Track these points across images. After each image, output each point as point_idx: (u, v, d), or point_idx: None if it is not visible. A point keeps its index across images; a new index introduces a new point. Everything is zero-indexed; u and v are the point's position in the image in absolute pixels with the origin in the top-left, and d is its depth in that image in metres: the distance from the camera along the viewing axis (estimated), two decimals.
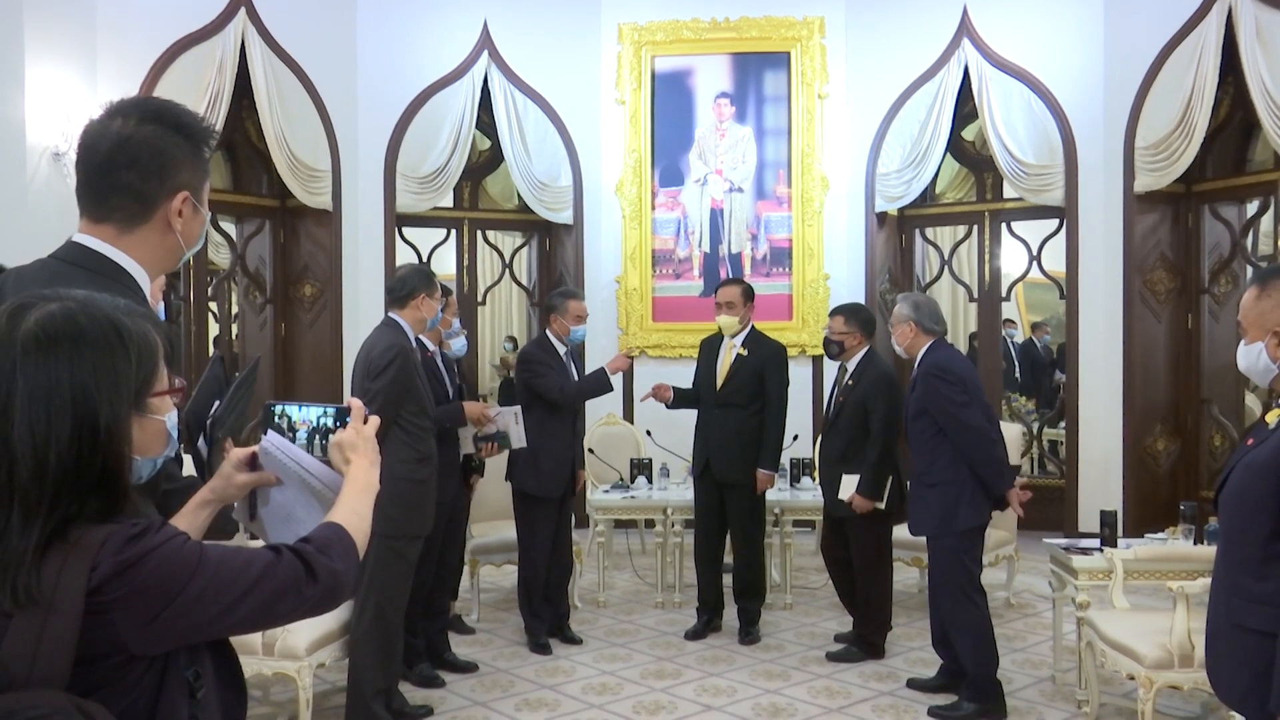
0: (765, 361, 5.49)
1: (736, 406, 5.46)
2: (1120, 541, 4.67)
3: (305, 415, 1.75)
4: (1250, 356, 2.55)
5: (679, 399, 5.69)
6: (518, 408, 5.23)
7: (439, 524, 4.66)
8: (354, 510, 1.61)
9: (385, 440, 4.14)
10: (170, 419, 1.48)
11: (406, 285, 4.49)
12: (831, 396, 5.37)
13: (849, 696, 4.70)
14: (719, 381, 5.53)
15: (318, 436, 1.74)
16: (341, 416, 1.73)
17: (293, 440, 1.73)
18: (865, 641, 5.23)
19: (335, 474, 1.68)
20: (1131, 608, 4.40)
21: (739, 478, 5.46)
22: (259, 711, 4.53)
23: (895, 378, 5.24)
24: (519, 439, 5.19)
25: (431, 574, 4.84)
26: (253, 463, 1.71)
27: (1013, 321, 10.29)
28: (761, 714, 4.50)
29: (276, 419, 1.75)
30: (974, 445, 4.39)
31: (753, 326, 5.61)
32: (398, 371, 4.25)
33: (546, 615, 5.46)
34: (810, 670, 5.04)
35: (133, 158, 1.82)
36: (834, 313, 5.42)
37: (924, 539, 4.69)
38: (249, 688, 4.39)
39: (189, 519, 1.70)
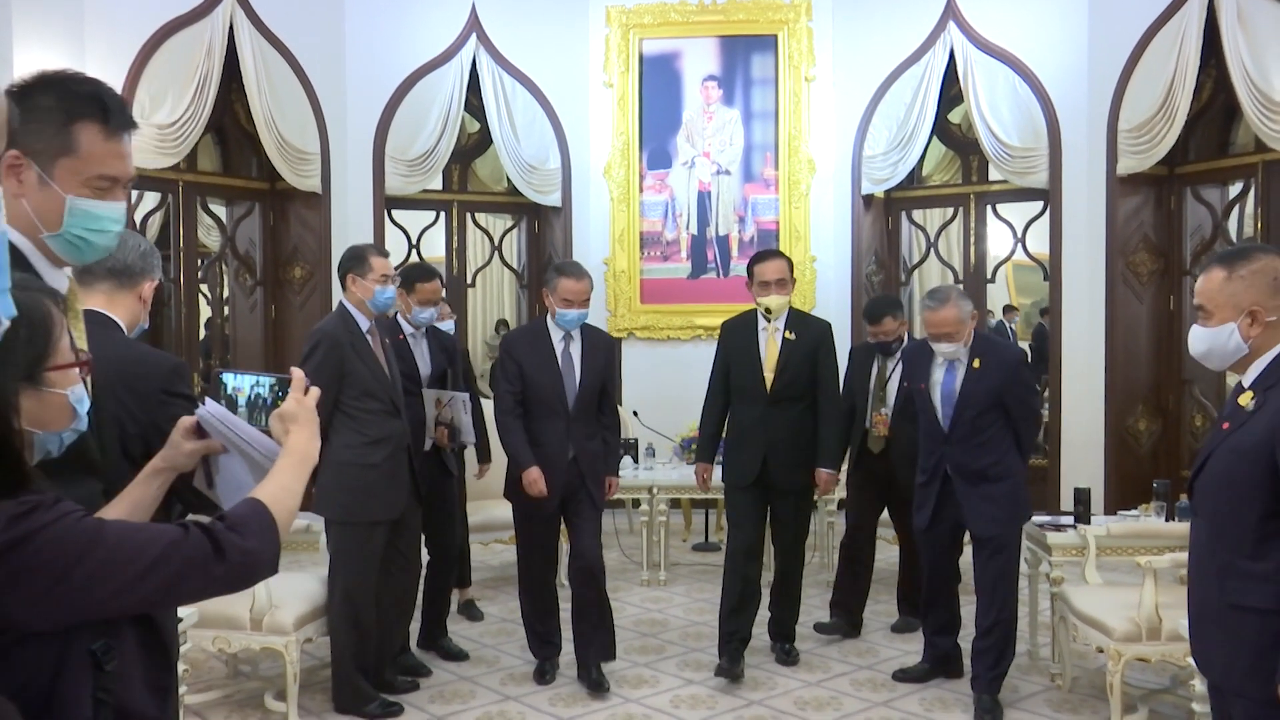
0: (818, 344, 4.77)
1: (793, 400, 4.71)
2: (1096, 519, 4.76)
3: (241, 383, 1.75)
4: (1218, 338, 2.54)
5: (710, 445, 4.99)
6: (465, 395, 4.95)
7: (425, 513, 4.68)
8: (282, 485, 1.57)
9: (329, 426, 4.16)
10: (74, 392, 1.46)
11: (340, 267, 4.49)
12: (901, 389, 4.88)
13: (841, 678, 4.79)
14: (769, 375, 4.71)
15: (258, 408, 1.73)
16: (284, 387, 1.71)
17: (235, 410, 1.72)
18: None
19: (274, 444, 1.67)
20: (1104, 583, 4.49)
21: (803, 482, 4.77)
22: (249, 686, 4.61)
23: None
24: (467, 431, 4.97)
25: (416, 560, 4.74)
26: (200, 431, 1.71)
27: (991, 312, 10.38)
28: (730, 690, 4.59)
29: (225, 389, 1.74)
30: (1035, 433, 4.48)
31: (791, 305, 4.88)
32: (322, 357, 4.22)
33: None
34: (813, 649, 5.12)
35: None
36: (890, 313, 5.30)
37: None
38: (237, 662, 4.52)
39: (142, 488, 1.70)
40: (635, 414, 6.77)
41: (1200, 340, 2.59)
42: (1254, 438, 2.44)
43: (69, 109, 1.77)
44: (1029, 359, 4.53)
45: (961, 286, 8.49)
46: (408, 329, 4.99)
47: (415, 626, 4.95)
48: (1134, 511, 4.83)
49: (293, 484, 1.59)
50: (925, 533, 4.49)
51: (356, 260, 4.40)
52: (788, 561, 4.88)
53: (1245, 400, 2.54)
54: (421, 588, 4.94)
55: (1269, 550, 2.42)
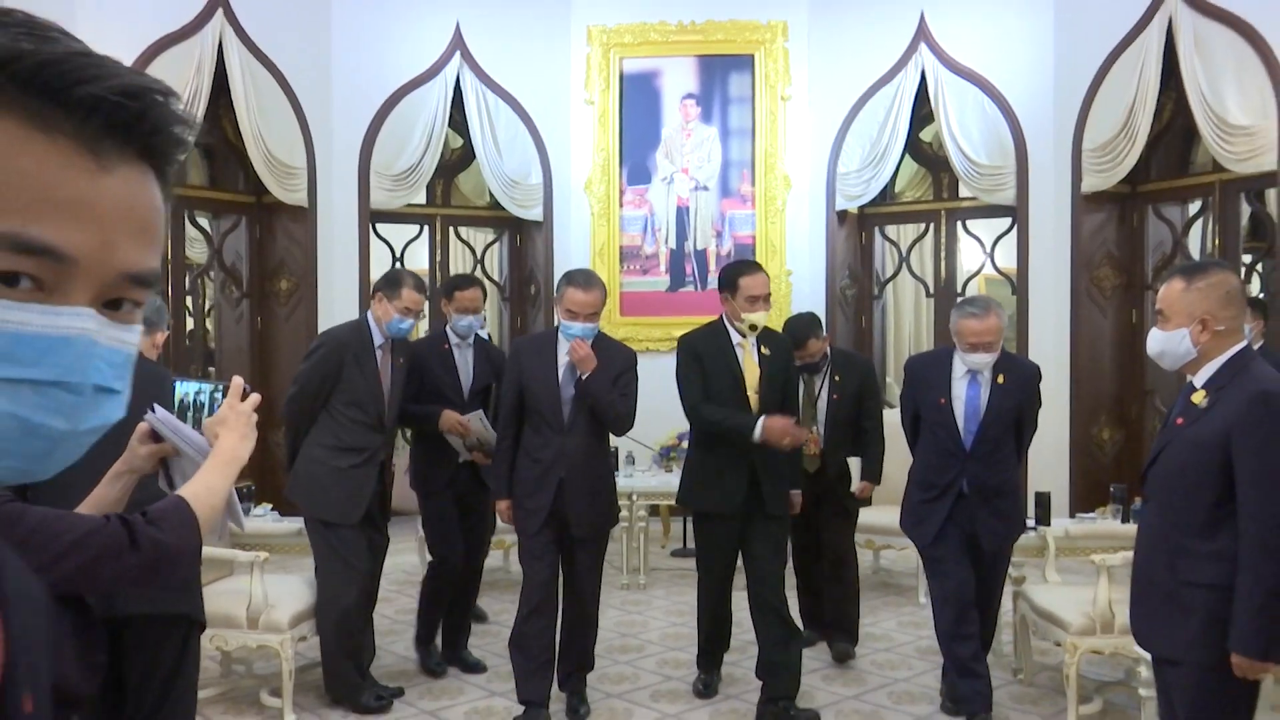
0: (788, 361, 4.63)
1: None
2: (1056, 521, 4.98)
3: (187, 390, 1.87)
4: (1171, 342, 2.85)
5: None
6: (478, 411, 4.88)
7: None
8: (206, 484, 1.66)
9: (313, 423, 4.45)
10: None
11: (376, 282, 4.69)
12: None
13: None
14: (752, 394, 4.39)
15: (199, 412, 1.84)
16: (222, 392, 1.82)
17: (185, 416, 1.84)
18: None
19: (207, 445, 1.75)
20: (1063, 582, 4.71)
21: (783, 506, 4.47)
22: (244, 684, 4.76)
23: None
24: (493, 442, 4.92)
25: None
26: (155, 435, 1.80)
27: None
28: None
29: (174, 395, 1.86)
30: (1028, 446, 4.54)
31: None
32: (320, 359, 4.44)
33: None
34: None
35: None
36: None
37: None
38: (232, 660, 4.66)
39: (105, 489, 1.77)
40: None
41: (1156, 342, 2.91)
42: (1210, 432, 2.74)
43: None
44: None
45: (932, 301, 8.76)
46: (453, 339, 4.98)
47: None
48: (1092, 515, 5.06)
49: (217, 483, 1.67)
50: (931, 549, 4.33)
51: (391, 285, 4.53)
52: (777, 593, 4.40)
53: (1198, 399, 2.84)
54: (424, 597, 5.08)
55: (1217, 532, 2.71)
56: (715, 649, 4.71)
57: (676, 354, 4.56)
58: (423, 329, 7.67)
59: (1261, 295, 7.23)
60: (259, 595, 4.36)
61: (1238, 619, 2.63)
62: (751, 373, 4.42)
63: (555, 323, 4.35)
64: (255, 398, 1.80)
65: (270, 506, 5.37)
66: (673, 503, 6.97)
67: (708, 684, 4.68)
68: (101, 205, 0.67)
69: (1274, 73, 6.46)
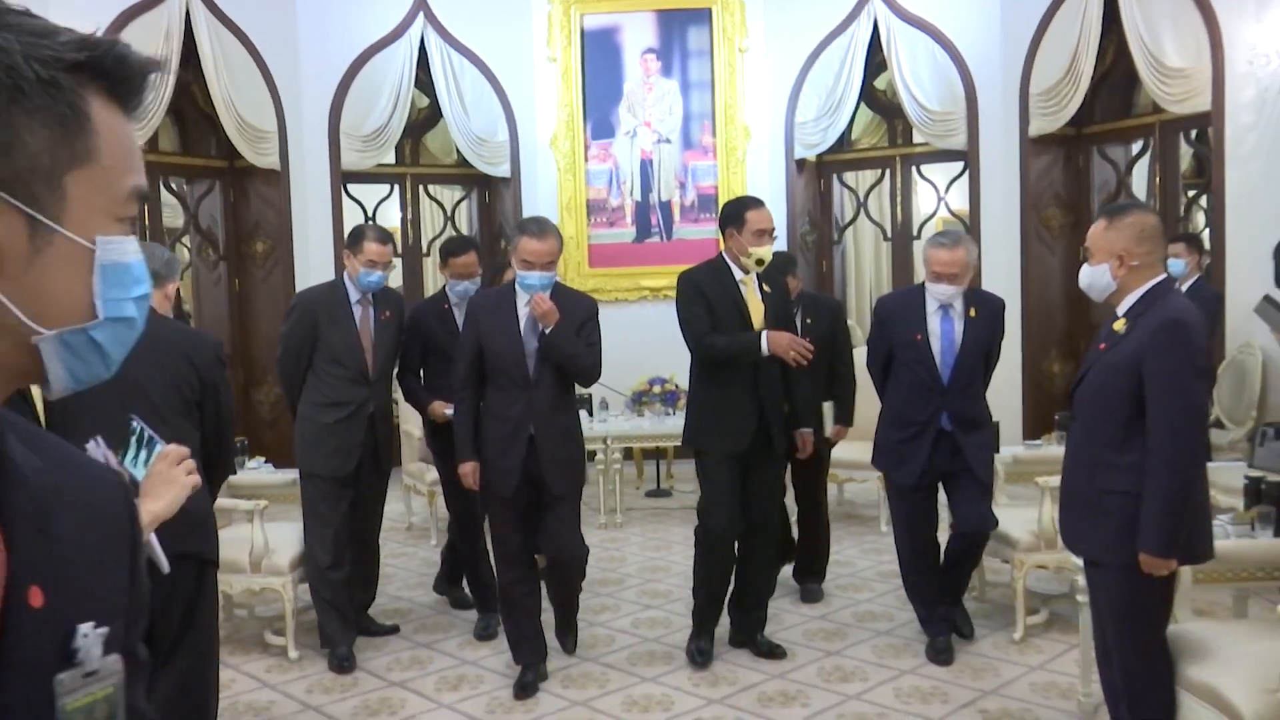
0: (787, 295, 4.70)
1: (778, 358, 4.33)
2: (1005, 448, 5.32)
3: (141, 431, 1.95)
4: (1095, 275, 3.18)
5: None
6: None
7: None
8: None
9: (303, 382, 4.63)
10: None
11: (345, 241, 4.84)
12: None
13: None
14: (761, 328, 4.31)
15: (146, 448, 1.94)
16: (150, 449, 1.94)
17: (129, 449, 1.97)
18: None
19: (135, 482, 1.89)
20: (1011, 504, 5.06)
21: (785, 446, 4.49)
22: (247, 626, 5.05)
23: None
24: None
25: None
26: None
27: None
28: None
29: (133, 431, 1.95)
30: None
31: None
32: (295, 321, 4.63)
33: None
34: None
35: None
36: None
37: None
38: (234, 605, 4.93)
39: None
40: None
41: (1084, 276, 3.25)
42: (1125, 356, 3.07)
43: None
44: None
45: (889, 244, 9.07)
46: (452, 299, 5.01)
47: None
48: (1039, 441, 5.40)
49: None
50: (911, 491, 4.45)
51: (354, 240, 4.67)
52: (776, 516, 4.60)
53: (1119, 326, 3.18)
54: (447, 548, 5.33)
55: (1130, 446, 3.04)
56: (713, 610, 4.49)
57: (679, 290, 4.39)
58: (395, 281, 7.87)
59: (1206, 230, 7.57)
60: (260, 541, 4.64)
61: (1144, 521, 2.97)
62: (756, 310, 4.33)
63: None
64: (190, 463, 1.93)
65: (263, 459, 5.62)
66: (645, 446, 7.34)
67: (704, 651, 4.44)
68: (137, 149, 0.87)
69: (1208, 16, 6.75)
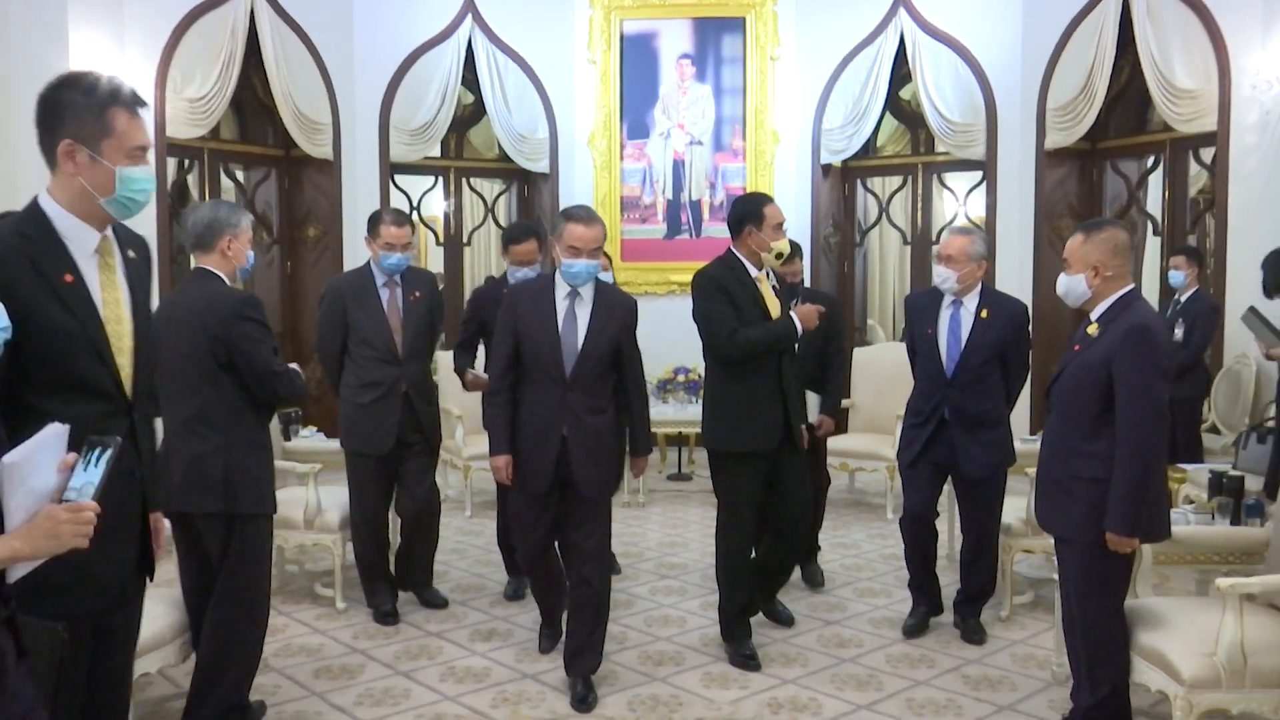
0: (793, 290, 4.86)
1: (794, 351, 4.49)
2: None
3: (93, 460, 1.84)
4: (1072, 284, 3.58)
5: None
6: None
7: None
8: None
9: (342, 366, 4.94)
10: None
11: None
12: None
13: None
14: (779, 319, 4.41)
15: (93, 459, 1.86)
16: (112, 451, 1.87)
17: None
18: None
19: (47, 490, 1.79)
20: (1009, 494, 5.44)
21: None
22: (298, 579, 5.53)
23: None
24: None
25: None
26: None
27: None
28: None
29: (90, 450, 1.84)
30: (1022, 384, 4.89)
31: None
32: (326, 309, 4.92)
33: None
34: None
35: (38, 117, 2.37)
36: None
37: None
38: (289, 561, 5.39)
39: None
40: None
41: (1062, 284, 3.66)
42: (1096, 356, 3.48)
43: (89, 95, 2.35)
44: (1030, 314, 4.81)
45: (910, 248, 9.44)
46: (512, 284, 4.99)
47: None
48: (1035, 437, 5.78)
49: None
50: (908, 470, 4.73)
51: (372, 224, 4.92)
52: (805, 516, 4.58)
53: (1092, 330, 3.59)
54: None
55: (1099, 437, 3.45)
56: (746, 613, 4.55)
57: (696, 290, 4.41)
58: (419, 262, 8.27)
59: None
60: (313, 501, 5.09)
61: (1111, 504, 3.37)
62: (773, 305, 4.40)
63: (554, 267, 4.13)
64: (86, 528, 1.80)
65: (315, 429, 6.10)
66: (668, 431, 7.75)
67: (752, 654, 4.42)
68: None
69: (1217, 42, 7.10)
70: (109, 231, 2.52)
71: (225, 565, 3.57)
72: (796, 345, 4.46)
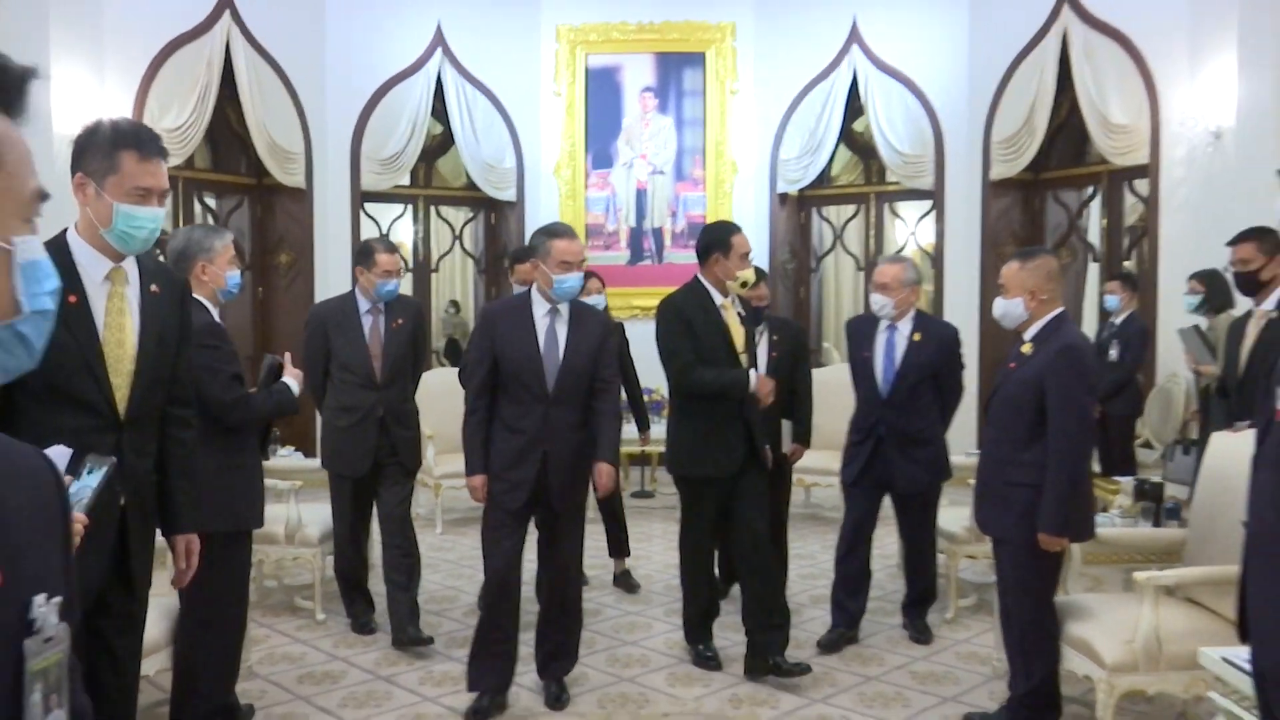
0: (754, 319, 4.91)
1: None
2: (952, 458, 6.02)
3: (87, 478, 1.88)
4: (1010, 307, 3.91)
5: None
6: None
7: None
8: None
9: (324, 390, 5.07)
10: None
11: (353, 259, 5.22)
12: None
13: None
14: (741, 354, 4.49)
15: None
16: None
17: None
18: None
19: None
20: (951, 504, 5.77)
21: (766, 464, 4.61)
22: (277, 594, 5.73)
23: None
24: None
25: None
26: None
27: None
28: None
29: (84, 466, 1.89)
30: (957, 404, 5.23)
31: None
32: (309, 335, 5.04)
33: None
34: None
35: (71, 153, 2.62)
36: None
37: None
38: (269, 575, 5.60)
39: None
40: None
41: (999, 307, 3.99)
42: (1030, 374, 3.81)
43: (111, 138, 2.54)
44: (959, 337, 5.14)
45: (863, 274, 9.81)
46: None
47: None
48: (976, 451, 6.10)
49: None
50: (850, 487, 5.00)
51: (364, 255, 4.99)
52: (766, 555, 4.57)
53: (1027, 349, 3.92)
54: None
55: (1032, 447, 3.77)
56: (707, 620, 4.73)
57: (662, 317, 4.50)
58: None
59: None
60: (294, 516, 5.30)
61: (1043, 507, 3.68)
62: (737, 333, 4.46)
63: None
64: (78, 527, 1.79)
65: (294, 448, 6.33)
66: (633, 450, 8.01)
67: (712, 654, 4.66)
68: (31, 155, 0.94)
69: (1147, 80, 7.54)
70: (127, 264, 2.73)
71: (196, 576, 3.48)
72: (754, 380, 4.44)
